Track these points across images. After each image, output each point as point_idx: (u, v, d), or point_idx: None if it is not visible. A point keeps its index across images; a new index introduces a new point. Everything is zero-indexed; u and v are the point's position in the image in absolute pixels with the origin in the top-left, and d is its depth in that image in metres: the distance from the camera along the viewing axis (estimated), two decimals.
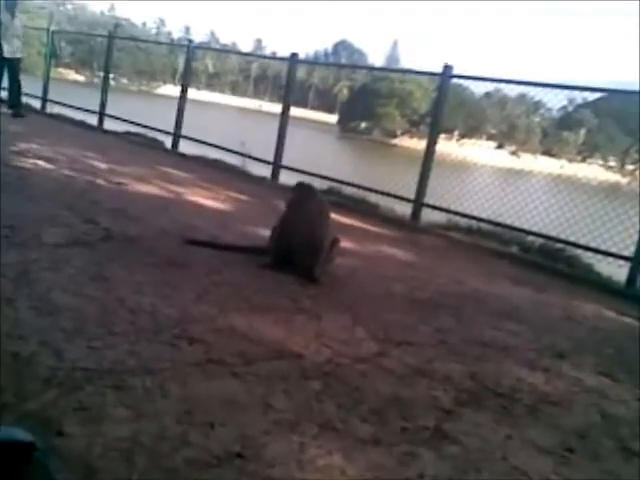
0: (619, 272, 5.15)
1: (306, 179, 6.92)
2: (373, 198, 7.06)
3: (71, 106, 11.41)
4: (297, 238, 3.71)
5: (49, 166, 5.92)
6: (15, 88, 9.79)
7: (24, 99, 10.39)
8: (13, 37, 9.53)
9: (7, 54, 9.44)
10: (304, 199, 3.81)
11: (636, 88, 5.61)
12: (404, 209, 6.72)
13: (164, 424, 1.81)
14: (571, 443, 2.18)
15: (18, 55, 9.70)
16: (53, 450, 1.55)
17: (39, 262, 3.05)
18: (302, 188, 3.92)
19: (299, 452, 1.80)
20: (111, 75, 11.32)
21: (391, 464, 1.83)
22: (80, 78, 24.61)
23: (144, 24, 73.41)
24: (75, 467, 1.54)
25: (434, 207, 6.49)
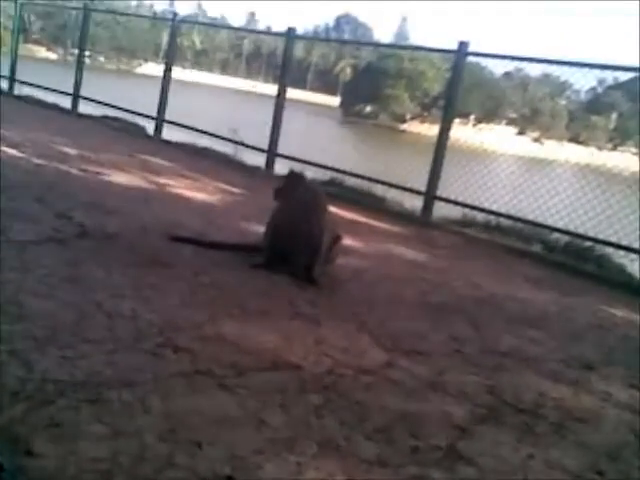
0: None
1: (305, 169, 6.93)
2: (379, 190, 7.06)
3: (42, 87, 11.40)
4: (293, 234, 3.71)
5: (17, 154, 5.92)
6: None
7: None
8: None
9: None
10: (297, 190, 3.80)
11: None
12: (414, 203, 6.72)
13: (145, 443, 1.80)
14: (600, 465, 2.18)
15: None
16: (22, 471, 1.54)
17: (6, 262, 3.05)
18: (294, 177, 3.92)
19: (296, 474, 1.80)
20: (86, 52, 11.33)
21: None
22: (52, 56, 24.58)
23: None
24: None
25: (448, 200, 6.49)
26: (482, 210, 6.27)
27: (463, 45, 6.41)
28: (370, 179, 7.14)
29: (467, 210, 6.38)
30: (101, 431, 1.82)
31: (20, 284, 2.80)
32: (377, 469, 1.90)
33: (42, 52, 25.67)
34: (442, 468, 1.97)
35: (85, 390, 2.01)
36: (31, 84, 11.70)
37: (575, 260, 5.52)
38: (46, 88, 11.27)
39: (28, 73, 12.10)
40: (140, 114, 9.89)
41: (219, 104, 9.73)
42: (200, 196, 5.70)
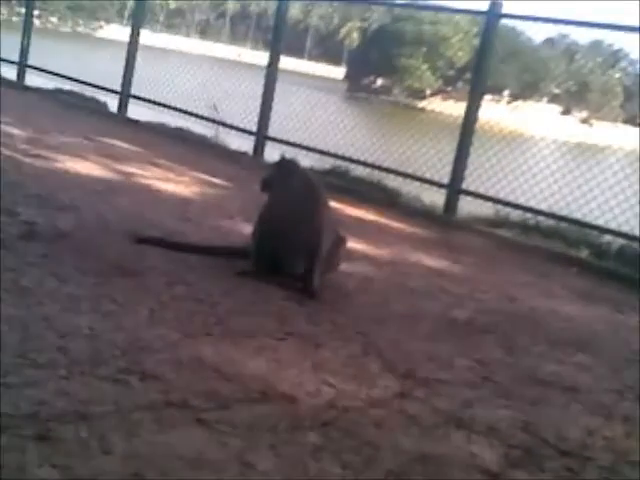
0: None
1: (302, 155, 6.94)
2: (393, 182, 7.07)
3: (60, 75, 11.20)
4: (287, 236, 3.71)
5: None
6: None
7: None
8: None
9: None
10: (291, 180, 3.80)
11: None
12: (435, 197, 6.73)
13: None
14: None
15: None
16: None
17: None
18: (286, 165, 3.91)
19: None
20: (36, 12, 11.30)
21: None
22: (80, 30, 24.61)
23: None
24: None
25: (476, 195, 6.49)
26: (518, 207, 6.27)
27: (496, 5, 6.41)
28: (381, 168, 7.15)
29: (500, 207, 6.38)
30: (52, 476, 1.81)
31: None
32: None
33: (62, 27, 25.70)
34: None
35: (32, 425, 2.01)
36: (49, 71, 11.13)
37: (631, 269, 5.51)
38: (64, 76, 10.90)
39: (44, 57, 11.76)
40: (101, 87, 9.89)
41: (198, 76, 9.69)
42: (174, 188, 5.71)
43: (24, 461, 1.85)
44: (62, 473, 1.83)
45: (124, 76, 9.47)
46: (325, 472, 2.08)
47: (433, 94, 41.13)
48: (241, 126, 8.33)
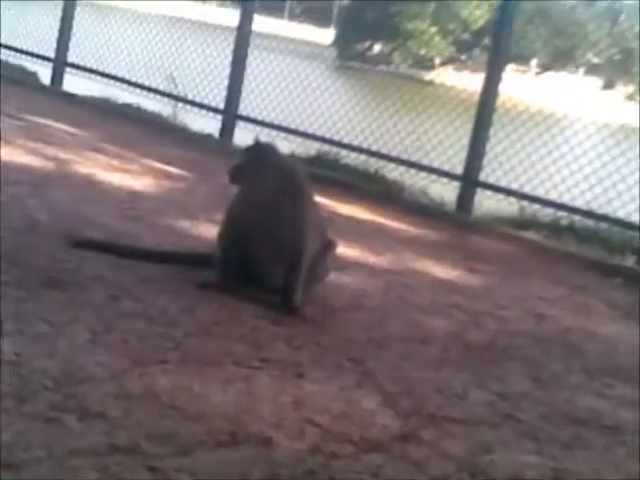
0: None
1: (280, 139, 6.94)
2: (393, 172, 7.09)
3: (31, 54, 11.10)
4: (262, 238, 3.72)
5: None
6: None
7: None
8: None
9: None
10: (267, 169, 3.79)
11: None
12: (445, 191, 6.75)
13: None
14: None
15: None
16: None
17: None
18: (261, 151, 3.90)
19: None
20: None
21: None
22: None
23: None
24: None
25: (496, 189, 6.53)
26: (548, 204, 6.30)
27: None
28: (379, 155, 7.17)
29: (526, 203, 6.41)
30: None
31: None
32: None
33: None
34: None
35: None
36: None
37: None
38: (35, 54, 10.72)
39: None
40: (31, 54, 9.85)
41: (151, 40, 9.66)
42: (121, 180, 5.70)
43: None
44: None
45: (59, 40, 9.42)
46: None
47: (443, 63, 41.09)
48: (205, 102, 8.32)
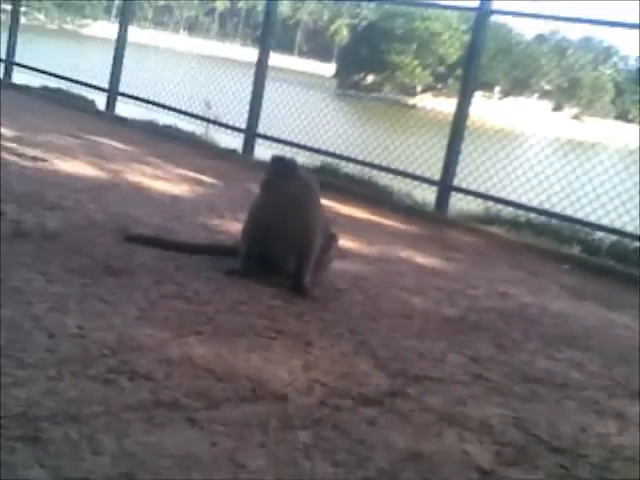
0: None
1: (292, 153, 6.93)
2: (384, 179, 7.07)
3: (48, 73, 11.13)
4: (278, 234, 3.71)
5: None
6: None
7: None
8: None
9: None
10: (284, 179, 3.79)
11: None
12: (426, 194, 6.73)
13: None
14: None
15: None
16: None
17: None
18: (280, 164, 3.90)
19: None
20: (22, 8, 11.24)
21: None
22: (69, 28, 24.50)
23: None
24: None
25: (467, 192, 6.51)
26: (509, 204, 6.29)
27: (486, 2, 6.42)
28: (372, 165, 7.16)
29: (491, 204, 6.39)
30: (41, 477, 1.81)
31: None
32: None
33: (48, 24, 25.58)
34: None
35: (22, 426, 2.00)
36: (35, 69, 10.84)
37: (623, 265, 5.53)
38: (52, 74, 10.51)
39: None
40: (89, 85, 9.85)
41: (186, 73, 9.69)
42: (163, 186, 5.69)
43: (14, 462, 1.85)
44: (52, 474, 1.83)
45: (112, 73, 9.45)
46: (317, 471, 2.08)
47: (424, 91, 41.12)
48: (230, 123, 8.31)
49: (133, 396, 2.30)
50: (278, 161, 3.90)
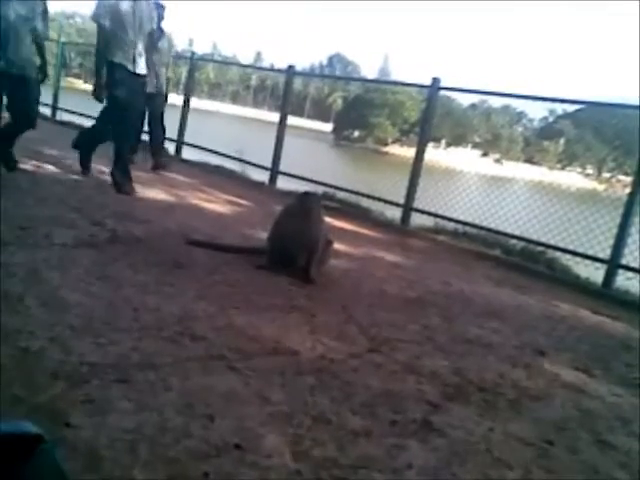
0: (596, 274, 5.18)
1: (302, 184, 6.93)
2: (365, 203, 7.07)
3: (79, 113, 11.33)
4: (293, 240, 3.71)
5: (56, 170, 5.90)
6: (159, 131, 7.38)
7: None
8: (161, 65, 6.98)
9: (151, 88, 6.56)
10: (301, 204, 3.80)
11: (613, 101, 5.64)
12: (394, 213, 6.73)
13: (166, 416, 1.80)
14: (550, 436, 2.19)
15: (164, 89, 7.15)
16: (61, 441, 1.54)
17: (48, 262, 3.04)
18: (305, 195, 3.90)
19: (294, 443, 1.79)
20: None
21: (381, 455, 1.83)
22: (88, 87, 24.55)
23: None
24: (82, 457, 1.53)
25: (422, 211, 6.50)
26: (451, 220, 6.28)
27: (436, 81, 6.43)
28: (357, 193, 7.15)
29: (439, 220, 6.39)
30: (128, 406, 1.81)
31: (60, 281, 2.79)
32: (362, 439, 1.90)
33: (80, 84, 25.61)
34: (418, 439, 1.97)
35: (115, 371, 2.01)
36: (70, 111, 11.62)
37: (530, 262, 5.54)
38: (82, 114, 10.98)
39: (68, 102, 12.04)
40: (170, 139, 9.81)
41: (230, 129, 9.74)
42: (213, 206, 5.70)
43: (110, 396, 1.85)
44: (136, 405, 1.83)
45: (179, 129, 9.39)
46: (318, 403, 2.08)
47: (393, 142, 41.19)
48: (260, 164, 8.32)
49: (192, 351, 2.30)
50: (304, 194, 3.92)
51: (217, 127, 10.17)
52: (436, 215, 6.39)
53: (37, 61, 5.30)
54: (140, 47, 5.30)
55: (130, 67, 5.22)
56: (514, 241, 5.84)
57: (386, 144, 40.57)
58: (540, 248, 5.63)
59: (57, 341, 2.16)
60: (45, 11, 5.27)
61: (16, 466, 0.57)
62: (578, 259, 5.32)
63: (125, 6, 5.15)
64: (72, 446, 1.55)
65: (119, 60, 5.18)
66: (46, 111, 11.72)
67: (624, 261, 4.97)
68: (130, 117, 5.42)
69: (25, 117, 5.21)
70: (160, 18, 6.69)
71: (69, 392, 1.82)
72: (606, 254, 5.05)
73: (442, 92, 6.73)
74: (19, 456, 0.57)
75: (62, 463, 0.61)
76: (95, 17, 5.14)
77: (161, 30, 6.91)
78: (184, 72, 10.32)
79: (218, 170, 8.59)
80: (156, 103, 7.02)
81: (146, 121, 7.20)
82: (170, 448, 1.65)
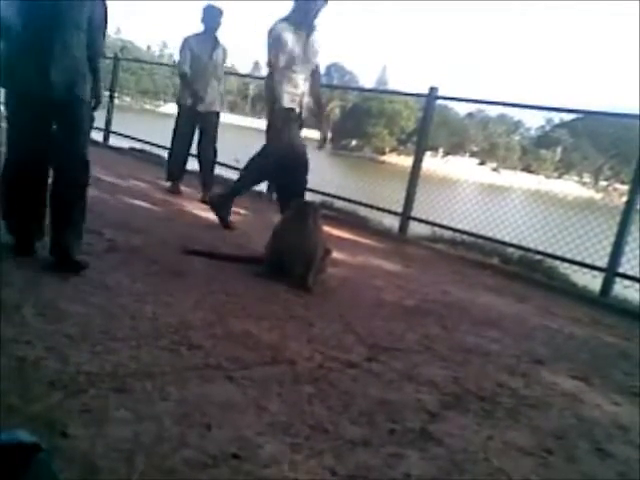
0: (594, 282, 5.18)
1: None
2: (363, 211, 7.08)
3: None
4: (291, 249, 3.71)
5: None
6: (210, 156, 6.55)
7: None
8: (213, 79, 6.26)
9: (202, 107, 6.15)
10: (299, 213, 3.80)
11: (609, 110, 5.67)
12: (392, 222, 6.74)
13: (163, 426, 1.79)
14: (549, 444, 2.18)
15: (217, 108, 6.38)
16: (57, 450, 1.53)
17: (46, 270, 3.03)
18: (299, 206, 3.91)
19: (292, 453, 1.79)
20: (116, 94, 11.24)
21: (379, 464, 1.83)
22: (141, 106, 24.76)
23: (149, 47, 73.50)
24: (79, 467, 1.53)
25: (420, 220, 6.51)
26: (449, 228, 6.28)
27: (433, 90, 6.46)
28: (355, 202, 7.16)
29: (436, 228, 6.39)
30: (126, 416, 1.81)
31: (58, 290, 2.79)
32: (360, 449, 1.89)
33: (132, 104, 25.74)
34: (416, 448, 1.96)
35: (112, 381, 2.00)
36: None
37: (527, 271, 5.53)
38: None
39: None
40: (162, 146, 9.81)
41: (229, 138, 9.72)
42: (211, 217, 5.67)
43: (107, 406, 1.84)
44: (133, 414, 1.83)
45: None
46: (315, 413, 2.07)
47: (391, 151, 41.34)
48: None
49: (190, 360, 2.30)
50: (299, 202, 3.94)
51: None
52: (434, 224, 6.39)
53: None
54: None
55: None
56: (512, 250, 5.84)
57: (384, 153, 40.73)
58: (538, 257, 5.63)
59: (54, 350, 2.15)
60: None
61: (13, 474, 0.57)
62: (576, 267, 5.32)
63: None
64: (69, 456, 1.55)
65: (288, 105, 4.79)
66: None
67: (622, 269, 4.97)
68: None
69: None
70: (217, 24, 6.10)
71: (66, 401, 1.82)
72: (604, 262, 5.06)
73: (439, 101, 6.76)
74: (16, 465, 0.57)
75: (58, 473, 0.61)
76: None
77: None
78: None
79: (216, 180, 8.58)
80: (211, 123, 6.34)
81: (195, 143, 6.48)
82: (167, 458, 1.64)
